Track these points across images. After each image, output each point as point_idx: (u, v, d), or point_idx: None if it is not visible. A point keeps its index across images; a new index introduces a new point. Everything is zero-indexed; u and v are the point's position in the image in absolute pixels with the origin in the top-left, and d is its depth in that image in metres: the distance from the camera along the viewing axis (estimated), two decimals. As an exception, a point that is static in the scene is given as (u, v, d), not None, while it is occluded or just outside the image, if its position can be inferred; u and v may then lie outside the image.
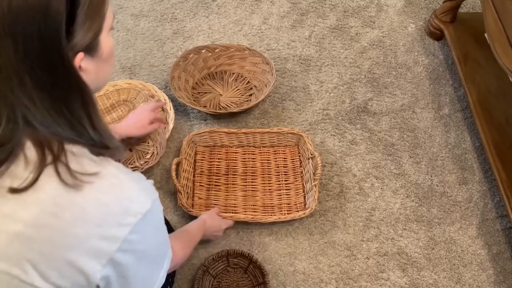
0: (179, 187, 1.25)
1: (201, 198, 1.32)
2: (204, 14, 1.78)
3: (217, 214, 1.20)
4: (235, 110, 1.42)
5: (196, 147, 1.42)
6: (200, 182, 1.35)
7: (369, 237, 1.28)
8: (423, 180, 1.39)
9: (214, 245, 1.25)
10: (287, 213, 1.28)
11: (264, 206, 1.31)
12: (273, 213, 1.29)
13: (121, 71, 1.62)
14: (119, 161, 0.66)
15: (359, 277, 1.21)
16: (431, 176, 1.40)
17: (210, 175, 1.37)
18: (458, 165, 1.43)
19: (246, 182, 1.36)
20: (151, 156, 1.33)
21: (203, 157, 1.40)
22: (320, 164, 1.28)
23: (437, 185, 1.38)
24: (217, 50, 1.56)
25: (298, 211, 1.28)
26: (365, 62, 1.67)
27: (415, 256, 1.25)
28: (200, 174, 1.37)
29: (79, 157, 0.59)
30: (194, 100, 1.50)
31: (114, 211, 0.59)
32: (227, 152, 1.42)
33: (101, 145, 0.62)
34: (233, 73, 1.59)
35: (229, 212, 1.27)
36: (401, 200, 1.35)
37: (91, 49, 0.58)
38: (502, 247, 1.28)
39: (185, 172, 1.33)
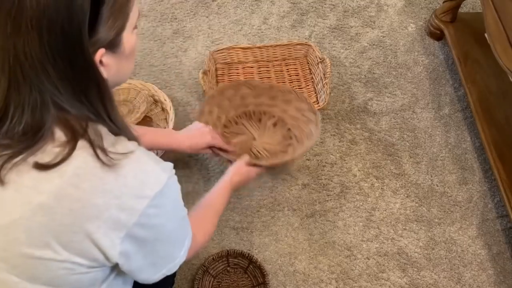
0: (207, 92, 1.38)
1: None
2: (204, 14, 1.78)
3: (245, 164, 1.11)
4: (265, 163, 1.16)
5: (216, 64, 1.58)
6: None
7: (369, 237, 1.28)
8: (423, 180, 1.39)
9: (214, 245, 1.25)
10: None
11: None
12: None
13: (121, 71, 1.61)
14: None
15: (359, 277, 1.21)
16: (431, 176, 1.40)
17: None
18: (458, 165, 1.43)
19: None
20: None
21: (223, 73, 1.58)
22: (330, 65, 1.45)
23: (437, 185, 1.38)
24: (259, 88, 1.36)
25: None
26: (365, 62, 1.67)
27: (415, 256, 1.25)
28: None
29: (104, 136, 0.62)
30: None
31: (131, 183, 0.61)
32: (244, 68, 1.61)
33: (119, 134, 0.65)
34: (273, 116, 1.36)
35: None
36: (401, 200, 1.35)
37: (113, 45, 0.61)
38: (502, 247, 1.28)
39: (210, 83, 1.48)
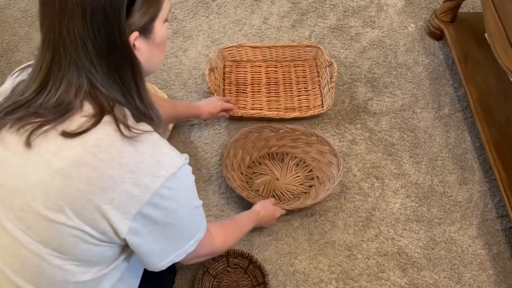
0: (213, 90, 1.43)
1: (231, 103, 1.47)
2: (204, 14, 1.78)
3: (272, 204, 1.20)
4: (287, 207, 1.24)
5: (224, 61, 1.60)
6: (229, 90, 1.55)
7: (369, 237, 1.28)
8: (423, 180, 1.39)
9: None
10: (306, 112, 1.48)
11: (287, 108, 1.52)
12: (294, 111, 1.50)
13: (121, 71, 1.61)
14: None
15: (359, 277, 1.21)
16: (431, 176, 1.40)
17: (237, 85, 1.57)
18: (458, 165, 1.43)
19: (269, 90, 1.57)
20: None
21: (231, 70, 1.60)
22: (336, 69, 1.48)
23: (437, 185, 1.38)
24: (282, 130, 1.41)
25: (316, 108, 1.51)
26: (365, 62, 1.67)
27: (415, 256, 1.25)
28: (229, 84, 1.57)
29: (128, 118, 0.66)
30: (247, 182, 1.35)
31: (147, 161, 0.64)
32: (252, 66, 1.62)
33: (145, 116, 0.69)
34: (295, 157, 1.41)
35: (256, 110, 1.50)
36: (401, 200, 1.35)
37: (145, 31, 0.66)
38: (502, 247, 1.28)
39: (216, 80, 1.52)
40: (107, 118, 0.64)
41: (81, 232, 0.64)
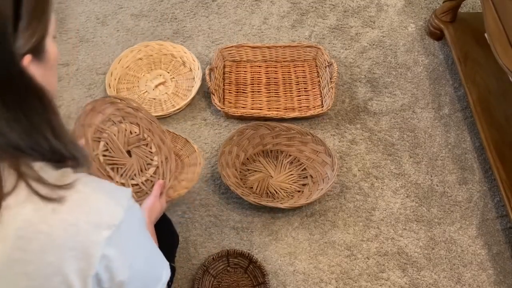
0: (213, 90, 1.44)
1: (230, 102, 1.53)
2: (204, 14, 1.78)
3: (155, 198, 0.96)
4: (281, 206, 1.26)
5: (224, 61, 1.61)
6: (229, 90, 1.56)
7: (369, 237, 1.28)
8: (423, 180, 1.39)
9: (214, 244, 1.25)
10: (306, 112, 1.49)
11: (286, 108, 1.52)
12: (294, 111, 1.50)
13: (121, 71, 1.61)
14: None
15: (359, 277, 1.21)
16: (431, 176, 1.40)
17: (237, 85, 1.58)
18: (458, 165, 1.43)
19: (269, 90, 1.57)
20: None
21: (231, 70, 1.61)
22: (337, 69, 1.49)
23: (437, 185, 1.38)
24: (277, 129, 1.41)
25: (316, 108, 1.51)
26: (365, 62, 1.67)
27: (415, 256, 1.25)
28: (229, 83, 1.58)
29: (44, 169, 0.54)
30: (241, 179, 1.36)
31: (84, 230, 0.54)
32: (252, 66, 1.63)
33: (66, 157, 0.56)
34: (290, 155, 1.42)
35: (256, 110, 1.50)
36: (401, 200, 1.35)
37: (38, 52, 0.54)
38: (502, 247, 1.28)
39: (216, 79, 1.53)
40: (21, 190, 0.51)
41: None
